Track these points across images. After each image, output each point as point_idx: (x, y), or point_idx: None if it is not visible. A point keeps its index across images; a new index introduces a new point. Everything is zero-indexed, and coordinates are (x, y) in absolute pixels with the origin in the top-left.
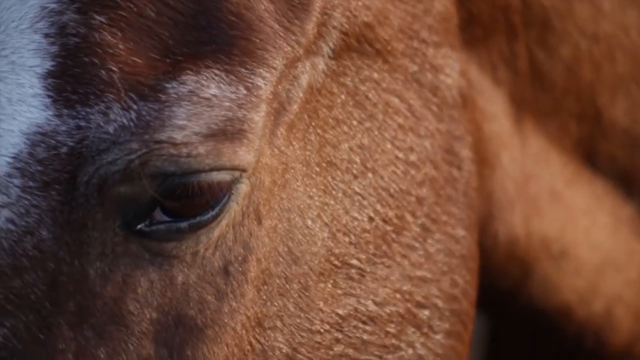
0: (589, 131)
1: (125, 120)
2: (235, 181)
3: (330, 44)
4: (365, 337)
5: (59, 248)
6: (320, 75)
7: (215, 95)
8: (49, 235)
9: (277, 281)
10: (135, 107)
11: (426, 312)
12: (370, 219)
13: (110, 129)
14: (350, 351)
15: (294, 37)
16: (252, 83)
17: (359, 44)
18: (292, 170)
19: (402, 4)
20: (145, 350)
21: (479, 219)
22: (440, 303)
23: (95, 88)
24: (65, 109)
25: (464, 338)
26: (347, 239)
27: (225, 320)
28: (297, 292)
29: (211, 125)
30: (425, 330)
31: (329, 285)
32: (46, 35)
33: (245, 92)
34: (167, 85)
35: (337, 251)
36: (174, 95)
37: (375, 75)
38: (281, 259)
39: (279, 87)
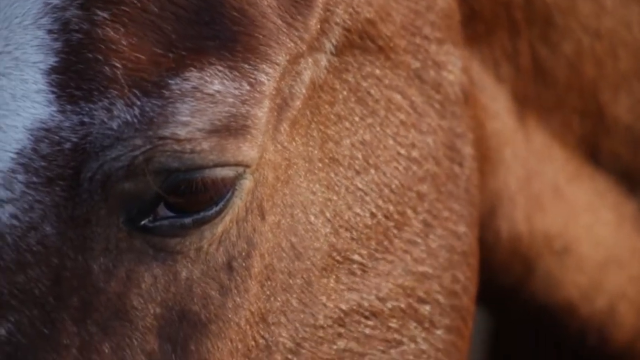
0: (592, 127)
1: (128, 117)
2: (238, 177)
3: (333, 40)
4: (367, 331)
5: (63, 243)
6: (323, 71)
7: (218, 92)
8: (52, 230)
9: (281, 276)
10: (138, 103)
11: (427, 308)
12: (372, 215)
13: (114, 125)
14: (353, 345)
15: (296, 33)
16: (255, 79)
17: (361, 41)
18: (295, 166)
19: (405, 1)
20: (149, 345)
21: (480, 215)
22: (441, 298)
23: (99, 84)
24: (69, 105)
25: (464, 333)
26: (349, 235)
27: (229, 316)
28: (300, 287)
29: (215, 122)
30: (426, 325)
31: (332, 281)
32: (49, 32)
33: (248, 88)
34: (170, 81)
35: (339, 247)
36: (178, 92)
37: (378, 71)
38: (284, 255)
39: (282, 83)
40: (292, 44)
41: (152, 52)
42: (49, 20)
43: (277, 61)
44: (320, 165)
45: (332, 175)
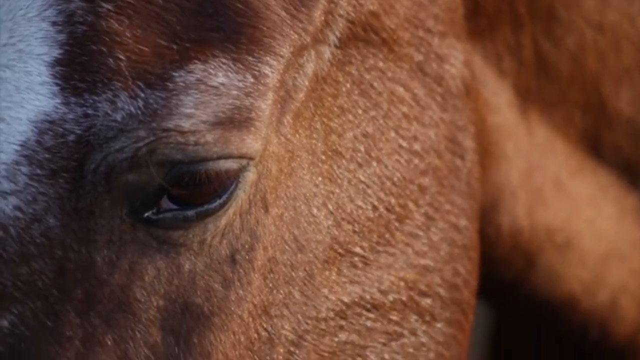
0: (594, 121)
1: (132, 109)
2: (242, 169)
3: (337, 33)
4: (369, 324)
5: (66, 235)
6: (326, 63)
7: (222, 84)
8: (56, 222)
9: (283, 269)
10: (142, 95)
11: (428, 301)
12: (374, 208)
13: (118, 117)
14: (355, 338)
15: (300, 25)
16: (259, 71)
17: (365, 33)
18: (298, 159)
19: None
20: (152, 337)
21: (482, 209)
22: (442, 292)
23: (103, 76)
24: (73, 97)
25: (465, 327)
26: (351, 227)
27: (232, 308)
28: (303, 280)
29: (219, 114)
30: (427, 318)
31: (334, 273)
32: (54, 24)
33: (252, 80)
34: (174, 73)
35: (341, 239)
36: (182, 84)
37: (381, 64)
38: (287, 247)
39: (286, 75)
40: (296, 36)
41: (156, 44)
42: (53, 12)
43: (281, 53)
44: (323, 157)
45: (335, 167)
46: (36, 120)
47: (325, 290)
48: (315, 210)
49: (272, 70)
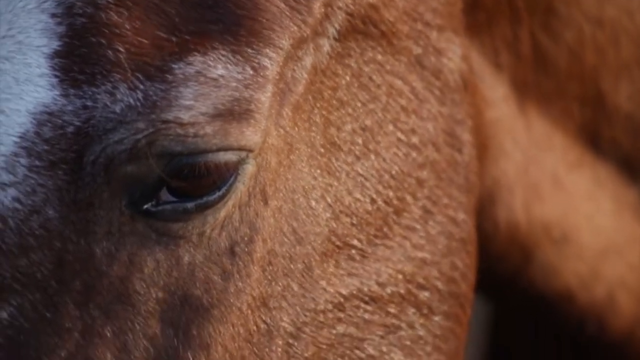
0: (593, 116)
1: (131, 100)
2: (241, 161)
3: (336, 25)
4: (367, 316)
5: (65, 227)
6: (325, 56)
7: (222, 76)
8: (55, 214)
9: (282, 261)
10: (141, 87)
11: (426, 294)
12: (372, 201)
13: (117, 109)
14: (353, 330)
15: (300, 17)
16: (258, 63)
17: (364, 26)
18: (297, 151)
19: None
20: (152, 329)
21: (479, 203)
22: (440, 285)
23: (102, 68)
24: (72, 89)
25: (463, 320)
26: (349, 220)
27: (231, 300)
28: (301, 272)
29: (218, 106)
30: (425, 311)
31: (331, 266)
32: (53, 15)
33: (252, 72)
34: (174, 65)
35: (339, 232)
36: (181, 76)
37: (380, 57)
38: (286, 239)
39: (285, 67)
40: (296, 28)
41: (155, 36)
42: (52, 4)
43: (281, 45)
44: (321, 150)
45: (333, 160)
46: (35, 112)
47: (323, 283)
48: (313, 203)
49: (271, 62)
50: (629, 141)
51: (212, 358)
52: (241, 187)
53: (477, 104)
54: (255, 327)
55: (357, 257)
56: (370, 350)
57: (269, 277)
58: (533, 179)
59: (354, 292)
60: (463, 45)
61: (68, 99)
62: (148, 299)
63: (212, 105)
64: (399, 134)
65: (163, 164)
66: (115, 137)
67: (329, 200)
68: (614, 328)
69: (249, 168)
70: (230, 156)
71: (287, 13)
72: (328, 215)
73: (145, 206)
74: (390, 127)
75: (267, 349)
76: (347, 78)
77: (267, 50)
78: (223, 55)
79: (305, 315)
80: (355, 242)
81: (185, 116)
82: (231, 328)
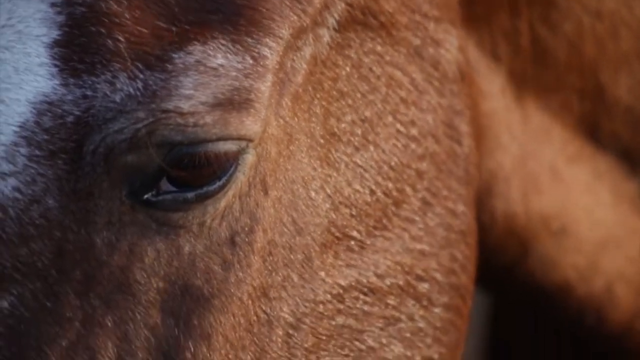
0: (592, 108)
1: (131, 90)
2: (241, 151)
3: (335, 16)
4: (366, 308)
5: (65, 216)
6: (325, 47)
7: (222, 65)
8: (55, 203)
9: (282, 252)
10: (141, 76)
11: (425, 285)
12: (372, 192)
13: (117, 98)
14: (352, 322)
15: (300, 7)
16: (258, 53)
17: (363, 16)
18: (297, 142)
19: None
20: (152, 319)
21: (477, 195)
22: (439, 276)
23: (102, 57)
24: (72, 78)
25: (463, 312)
26: (348, 211)
27: (232, 290)
28: (301, 262)
29: (218, 95)
30: (424, 303)
31: (331, 257)
32: (53, 5)
33: (251, 62)
34: (173, 55)
35: (338, 223)
36: (181, 65)
37: (379, 48)
38: (285, 230)
39: (285, 57)
40: (296, 18)
41: (155, 26)
42: None
43: (280, 35)
44: (321, 141)
45: (333, 151)
46: (35, 102)
47: (323, 274)
48: (313, 194)
49: (271, 52)
50: (629, 134)
51: (212, 348)
52: (241, 177)
53: (473, 95)
54: (255, 317)
55: (356, 248)
56: (370, 342)
57: (269, 267)
58: (531, 171)
59: (353, 283)
60: (460, 37)
61: (68, 88)
62: (149, 289)
63: (212, 94)
64: (399, 126)
65: (163, 153)
66: (115, 127)
67: (328, 191)
68: (612, 321)
69: (249, 158)
70: (230, 146)
71: (287, 2)
72: (327, 206)
73: (146, 196)
74: (390, 119)
75: (267, 339)
76: (347, 69)
77: (267, 40)
78: (223, 45)
79: (305, 306)
80: (354, 233)
81: (185, 105)
82: (232, 318)
